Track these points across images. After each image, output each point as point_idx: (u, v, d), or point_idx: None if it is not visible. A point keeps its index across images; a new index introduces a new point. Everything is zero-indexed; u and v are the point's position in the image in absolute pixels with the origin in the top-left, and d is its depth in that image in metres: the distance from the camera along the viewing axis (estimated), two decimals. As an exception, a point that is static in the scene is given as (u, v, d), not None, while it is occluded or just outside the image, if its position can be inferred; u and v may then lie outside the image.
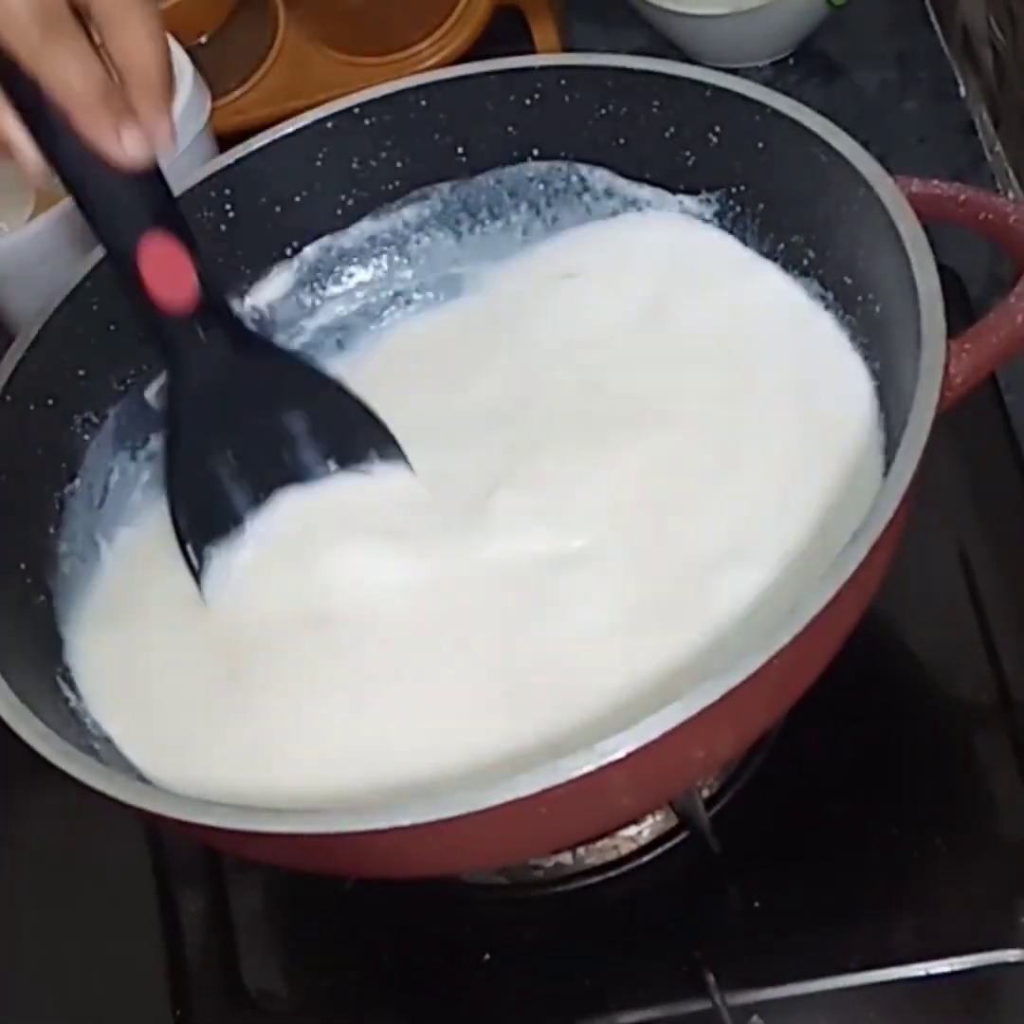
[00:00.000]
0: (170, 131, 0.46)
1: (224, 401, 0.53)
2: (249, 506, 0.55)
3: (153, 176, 0.48)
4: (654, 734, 0.40)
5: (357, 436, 0.55)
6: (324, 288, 0.64)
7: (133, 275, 0.49)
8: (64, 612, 0.55)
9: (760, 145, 0.55)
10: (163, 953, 0.57)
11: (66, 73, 0.44)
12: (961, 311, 0.62)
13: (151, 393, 0.60)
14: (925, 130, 0.78)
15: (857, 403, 0.52)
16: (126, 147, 0.45)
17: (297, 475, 0.56)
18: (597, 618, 0.50)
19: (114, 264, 0.50)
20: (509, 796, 0.40)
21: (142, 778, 0.50)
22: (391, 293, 0.64)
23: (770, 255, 0.58)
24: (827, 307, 0.56)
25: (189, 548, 0.54)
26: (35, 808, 0.60)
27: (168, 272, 0.49)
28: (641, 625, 0.50)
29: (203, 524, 0.54)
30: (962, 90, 0.80)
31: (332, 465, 0.56)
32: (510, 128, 0.60)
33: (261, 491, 0.55)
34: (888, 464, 0.44)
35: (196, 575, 0.54)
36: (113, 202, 0.48)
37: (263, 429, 0.55)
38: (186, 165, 0.64)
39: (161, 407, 0.56)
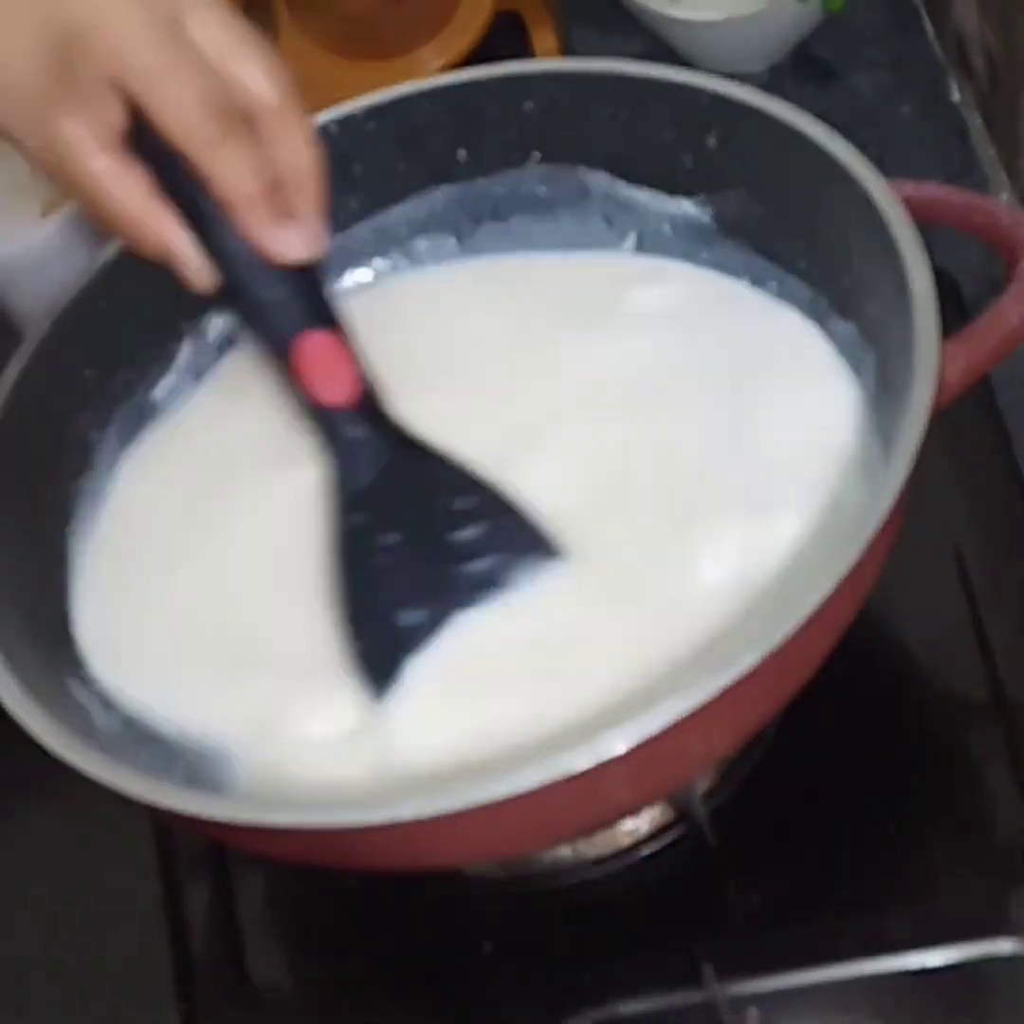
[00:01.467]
0: (324, 231, 0.48)
1: (388, 500, 0.51)
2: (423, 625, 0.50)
3: (312, 275, 0.49)
4: (652, 729, 0.41)
5: (518, 536, 0.51)
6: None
7: (292, 370, 0.50)
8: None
9: (757, 149, 0.55)
10: (168, 947, 0.57)
11: (236, 172, 0.46)
12: (955, 312, 0.62)
13: (157, 393, 0.61)
14: (919, 134, 0.78)
15: (843, 412, 0.53)
16: (289, 243, 0.47)
17: (469, 593, 0.50)
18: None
19: (276, 359, 0.51)
20: (509, 791, 0.40)
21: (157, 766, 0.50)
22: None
23: (766, 257, 0.58)
24: (817, 312, 0.56)
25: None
26: (41, 803, 0.61)
27: (328, 368, 0.50)
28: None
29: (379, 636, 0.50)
30: (956, 94, 0.80)
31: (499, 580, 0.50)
32: (511, 132, 0.60)
33: (435, 610, 0.50)
34: (881, 466, 0.45)
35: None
36: (272, 300, 0.49)
37: (429, 531, 0.51)
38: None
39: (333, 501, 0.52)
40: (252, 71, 0.46)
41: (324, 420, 0.51)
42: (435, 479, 0.52)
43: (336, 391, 0.50)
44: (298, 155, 0.47)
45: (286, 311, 0.49)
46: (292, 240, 0.47)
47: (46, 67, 0.44)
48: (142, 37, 0.44)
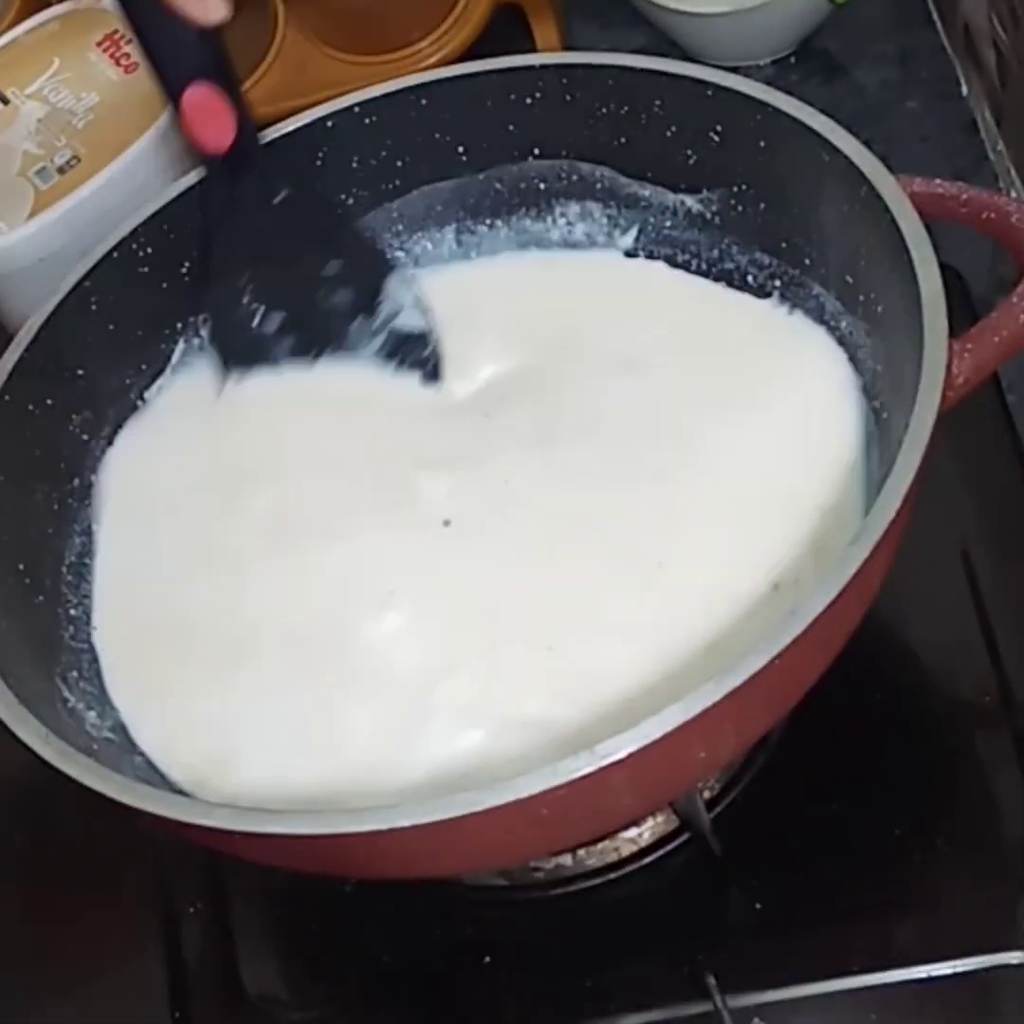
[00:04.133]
0: None
1: (259, 242, 0.57)
2: (287, 355, 0.59)
3: (213, 34, 0.54)
4: (655, 735, 0.40)
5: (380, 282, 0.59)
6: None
7: (180, 115, 0.54)
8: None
9: (761, 144, 0.55)
10: (162, 955, 0.57)
11: None
12: (963, 310, 0.62)
13: (151, 393, 0.60)
14: (927, 129, 0.78)
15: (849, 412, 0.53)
16: (210, 10, 0.52)
17: (337, 340, 0.59)
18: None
19: (169, 102, 0.55)
20: (509, 797, 0.40)
21: (149, 774, 0.50)
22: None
23: (771, 253, 0.58)
24: (823, 309, 0.56)
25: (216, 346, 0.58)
26: (33, 809, 0.60)
27: (211, 118, 0.54)
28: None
29: (237, 345, 0.58)
30: (964, 89, 0.79)
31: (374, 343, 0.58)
32: (511, 127, 0.60)
33: (300, 347, 0.59)
34: (888, 466, 0.44)
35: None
36: (173, 49, 0.54)
37: (298, 273, 0.58)
38: (186, 164, 0.64)
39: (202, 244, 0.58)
40: None
41: (206, 166, 0.56)
42: (311, 223, 0.58)
43: (216, 137, 0.55)
44: None
45: (183, 61, 0.54)
46: (214, 6, 0.52)
47: None
48: None
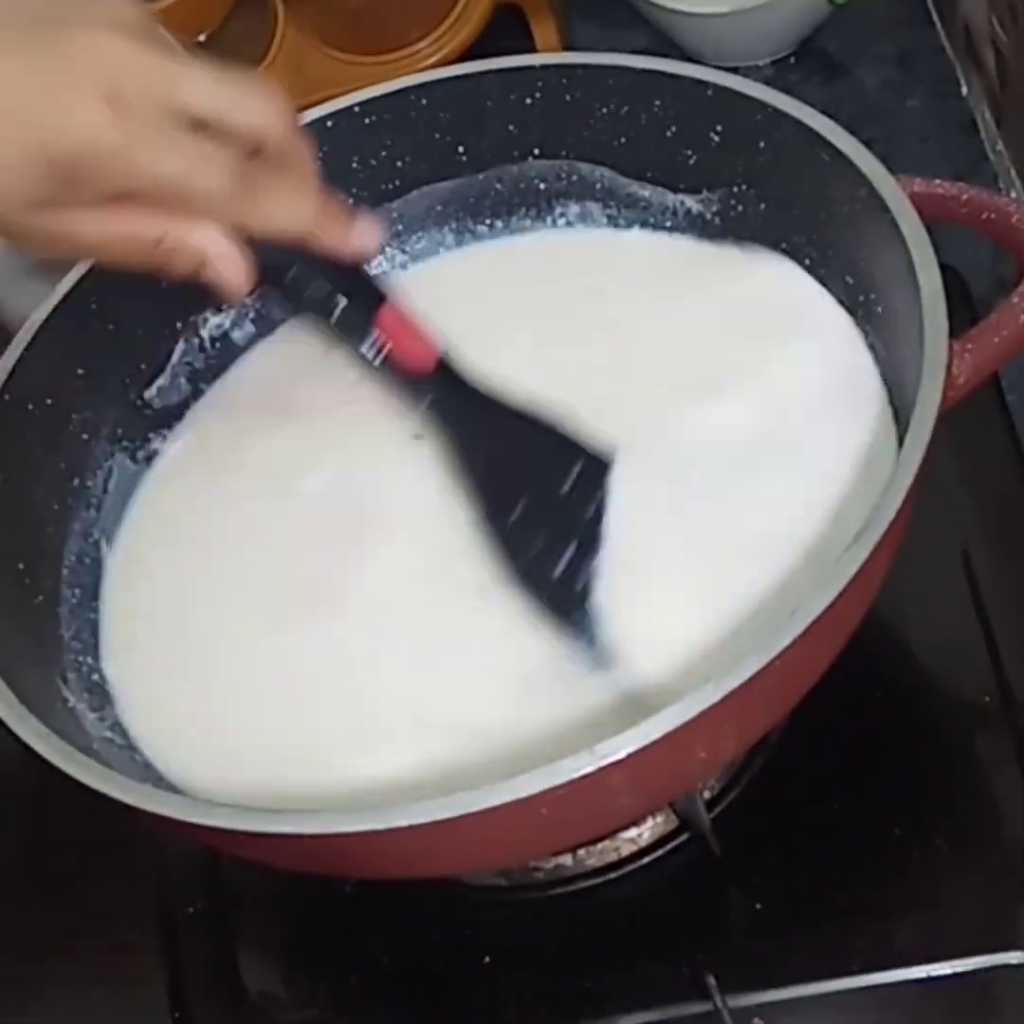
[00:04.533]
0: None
1: (513, 459, 0.53)
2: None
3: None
4: (655, 735, 0.40)
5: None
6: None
7: (381, 351, 0.52)
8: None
9: (762, 144, 0.55)
10: (162, 954, 0.57)
11: (281, 215, 0.47)
12: (964, 311, 0.62)
13: (150, 393, 0.60)
14: (927, 129, 0.78)
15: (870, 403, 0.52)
16: (361, 239, 0.50)
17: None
18: None
19: (354, 342, 0.52)
20: (509, 797, 0.40)
21: (149, 773, 0.50)
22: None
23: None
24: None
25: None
26: (33, 809, 0.60)
27: (410, 337, 0.52)
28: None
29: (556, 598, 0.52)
30: (964, 89, 0.79)
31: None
32: (511, 127, 0.60)
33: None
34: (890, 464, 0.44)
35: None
36: (347, 289, 0.51)
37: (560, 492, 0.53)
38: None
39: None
40: (256, 118, 0.46)
41: (421, 388, 0.53)
42: (530, 433, 0.54)
43: (424, 353, 0.52)
44: (308, 164, 0.48)
45: (361, 294, 0.51)
46: (361, 235, 0.50)
47: (46, 189, 0.43)
48: (145, 156, 0.43)
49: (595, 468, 0.53)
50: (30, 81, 0.42)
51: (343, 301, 0.51)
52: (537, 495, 0.53)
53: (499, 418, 0.53)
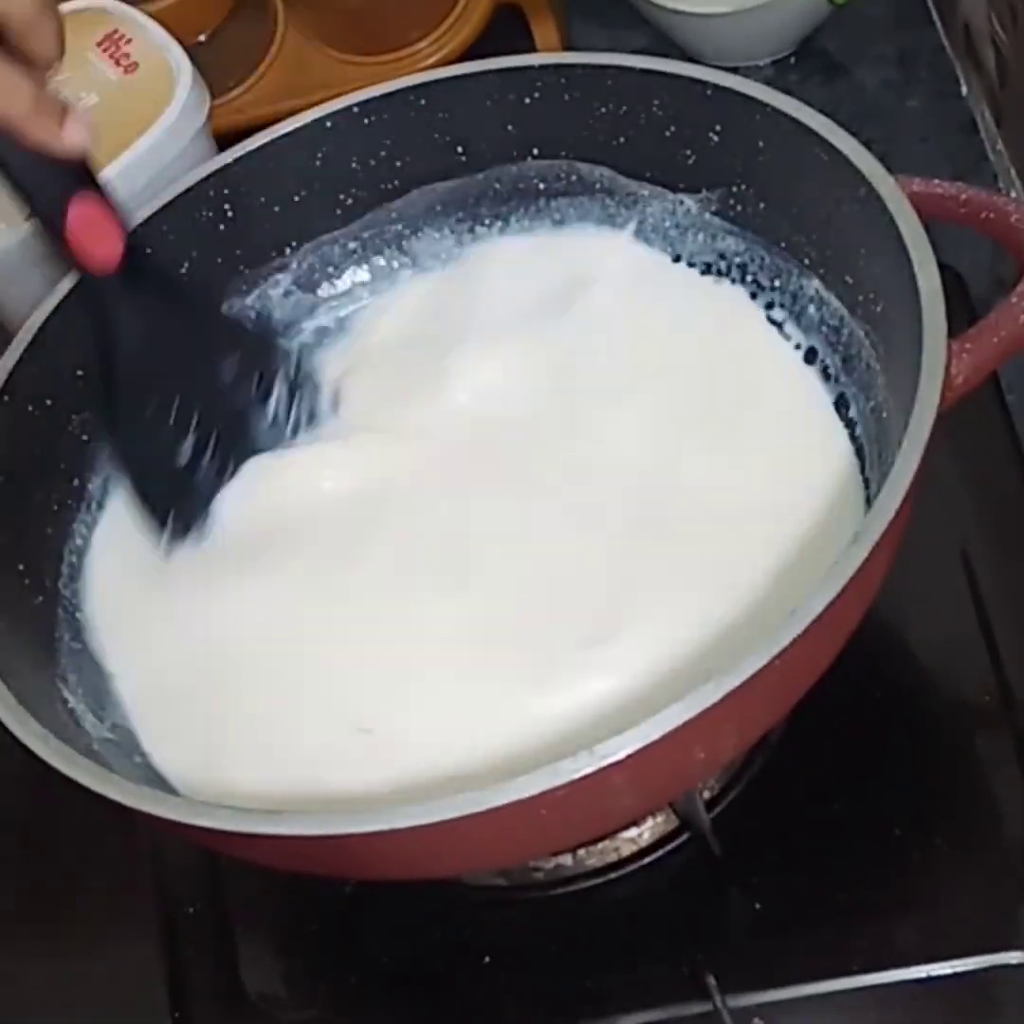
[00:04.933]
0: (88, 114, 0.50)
1: (158, 357, 0.54)
2: (214, 477, 0.56)
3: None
4: (655, 735, 0.40)
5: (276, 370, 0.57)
6: (323, 288, 0.63)
7: (63, 238, 0.51)
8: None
9: (761, 144, 0.55)
10: (161, 955, 0.57)
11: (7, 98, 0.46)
12: (962, 310, 0.62)
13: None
14: (927, 129, 0.78)
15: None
16: (69, 140, 0.49)
17: (256, 442, 0.56)
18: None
19: (46, 229, 0.52)
20: (509, 798, 0.40)
21: (149, 774, 0.50)
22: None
23: (770, 253, 0.58)
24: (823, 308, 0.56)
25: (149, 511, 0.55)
26: (32, 809, 0.60)
27: (95, 233, 0.51)
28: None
29: (167, 493, 0.55)
30: (964, 89, 0.79)
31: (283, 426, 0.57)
32: (510, 127, 0.60)
33: (223, 462, 0.56)
34: (888, 466, 0.44)
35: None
36: (40, 175, 0.50)
37: (204, 384, 0.55)
38: (186, 164, 0.64)
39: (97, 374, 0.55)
40: None
41: (93, 284, 0.52)
42: (209, 330, 0.56)
43: (104, 252, 0.52)
44: (50, 48, 0.47)
45: (54, 184, 0.50)
46: (73, 135, 0.49)
47: None
48: None
49: (255, 355, 0.56)
50: None
51: (39, 179, 0.50)
52: (185, 395, 0.54)
53: (173, 314, 0.54)
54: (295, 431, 0.58)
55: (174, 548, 0.55)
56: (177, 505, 0.55)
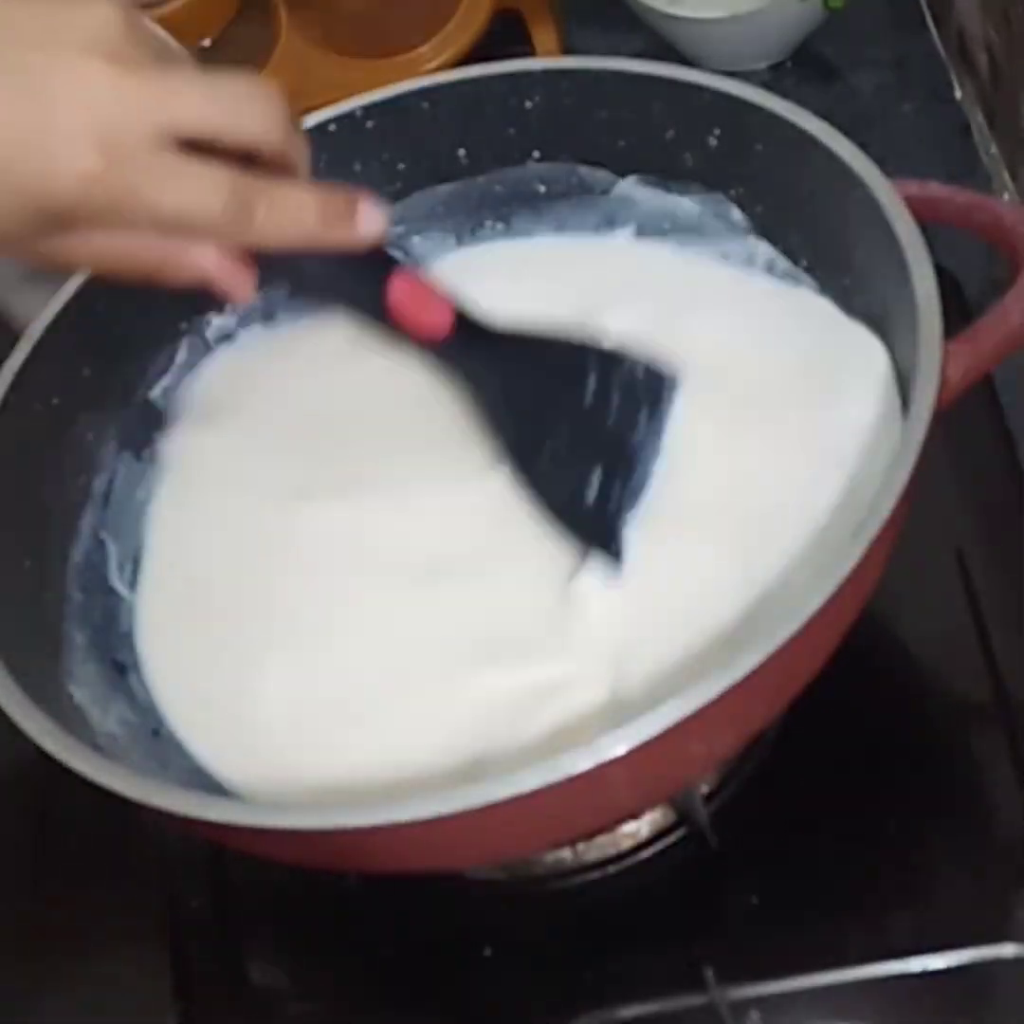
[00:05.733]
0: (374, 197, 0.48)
1: (534, 402, 0.53)
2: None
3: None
4: (653, 731, 0.40)
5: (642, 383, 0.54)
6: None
7: (390, 319, 0.50)
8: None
9: (758, 148, 0.55)
10: (166, 948, 0.57)
11: (284, 229, 0.45)
12: (957, 312, 0.62)
13: (156, 393, 0.61)
14: (922, 133, 0.78)
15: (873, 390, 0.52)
16: (364, 229, 0.47)
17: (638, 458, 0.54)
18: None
19: (371, 317, 0.51)
20: (509, 792, 0.40)
21: (155, 767, 0.50)
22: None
23: (767, 256, 0.58)
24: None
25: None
26: (38, 803, 0.61)
27: (419, 305, 0.50)
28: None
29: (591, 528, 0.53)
30: (958, 93, 0.80)
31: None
32: (511, 130, 0.60)
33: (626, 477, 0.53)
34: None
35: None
36: (348, 275, 0.49)
37: (579, 415, 0.53)
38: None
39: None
40: (252, 128, 0.44)
41: (440, 352, 0.52)
42: (553, 363, 0.53)
43: (438, 320, 0.51)
44: (302, 166, 0.47)
45: (369, 272, 0.50)
46: (363, 225, 0.47)
47: (40, 229, 0.42)
48: (140, 198, 0.41)
49: (645, 386, 0.53)
50: (12, 127, 0.40)
51: (351, 280, 0.49)
52: (568, 429, 0.53)
53: (524, 358, 0.53)
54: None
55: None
56: (602, 534, 0.52)
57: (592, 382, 0.53)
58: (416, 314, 0.50)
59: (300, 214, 0.45)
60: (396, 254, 0.50)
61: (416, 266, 0.52)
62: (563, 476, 0.53)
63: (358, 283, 0.50)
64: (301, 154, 0.47)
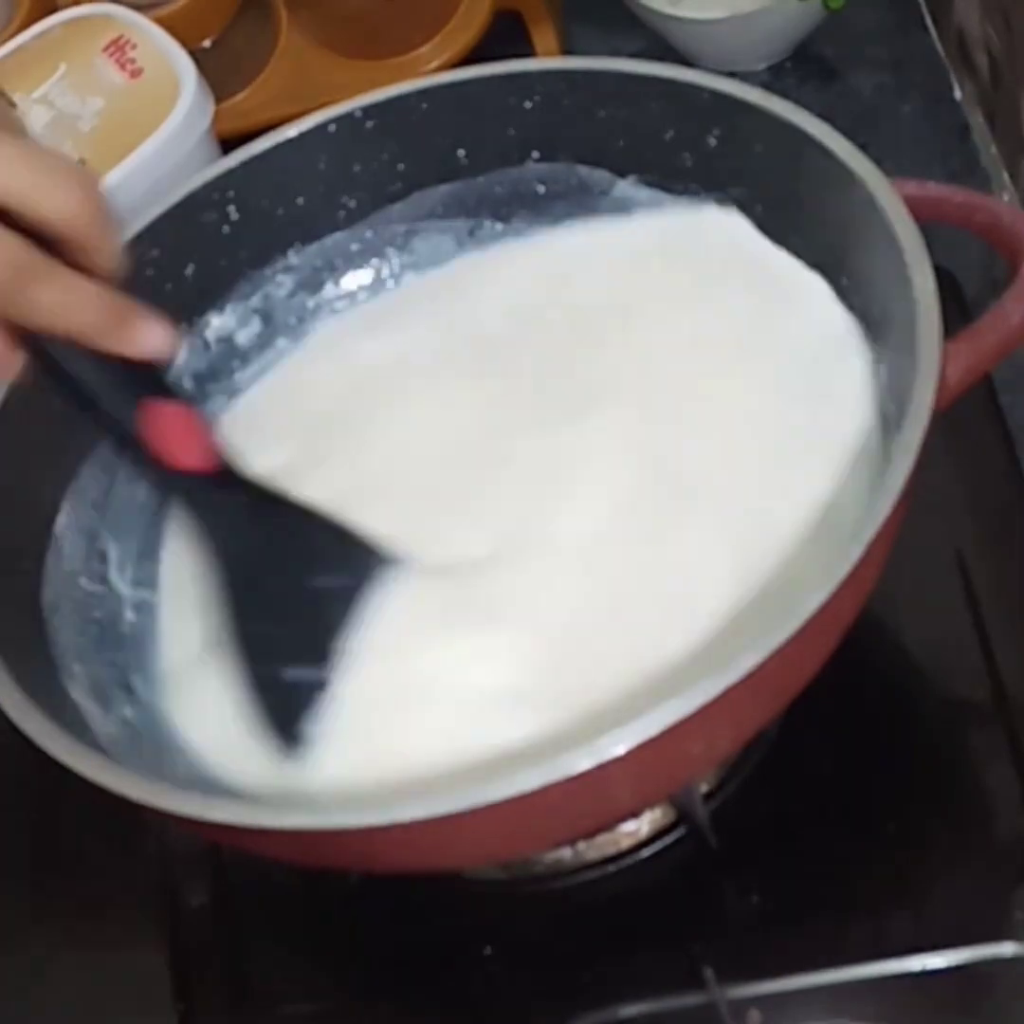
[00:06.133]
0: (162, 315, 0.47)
1: (258, 557, 0.52)
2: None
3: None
4: (653, 731, 0.40)
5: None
6: (326, 289, 0.64)
7: (142, 444, 0.49)
8: None
9: (758, 148, 0.55)
10: (166, 948, 0.57)
11: (59, 314, 0.44)
12: (956, 312, 0.62)
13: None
14: (921, 133, 0.78)
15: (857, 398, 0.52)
16: (141, 344, 0.46)
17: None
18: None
19: (122, 442, 0.50)
20: (509, 792, 0.40)
21: (156, 767, 0.50)
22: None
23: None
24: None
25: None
26: (38, 804, 0.60)
27: (182, 435, 0.49)
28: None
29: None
30: (957, 93, 0.80)
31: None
32: (510, 130, 0.60)
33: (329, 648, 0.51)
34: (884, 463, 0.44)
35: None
36: (111, 385, 0.48)
37: (297, 580, 0.52)
38: (190, 168, 0.64)
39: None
40: (60, 207, 0.43)
41: (190, 486, 0.51)
42: (295, 528, 0.52)
43: (195, 456, 0.50)
44: (110, 260, 0.45)
45: (127, 390, 0.48)
46: (150, 340, 0.47)
47: None
48: None
49: (360, 569, 0.51)
50: None
51: (115, 390, 0.48)
52: (288, 598, 0.51)
53: (265, 519, 0.52)
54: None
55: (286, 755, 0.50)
56: (286, 713, 0.50)
57: (321, 556, 0.52)
58: (174, 447, 0.49)
59: (82, 304, 0.44)
60: (176, 387, 0.50)
61: (190, 402, 0.51)
62: (267, 646, 0.51)
63: (120, 395, 0.48)
64: (108, 248, 0.45)
